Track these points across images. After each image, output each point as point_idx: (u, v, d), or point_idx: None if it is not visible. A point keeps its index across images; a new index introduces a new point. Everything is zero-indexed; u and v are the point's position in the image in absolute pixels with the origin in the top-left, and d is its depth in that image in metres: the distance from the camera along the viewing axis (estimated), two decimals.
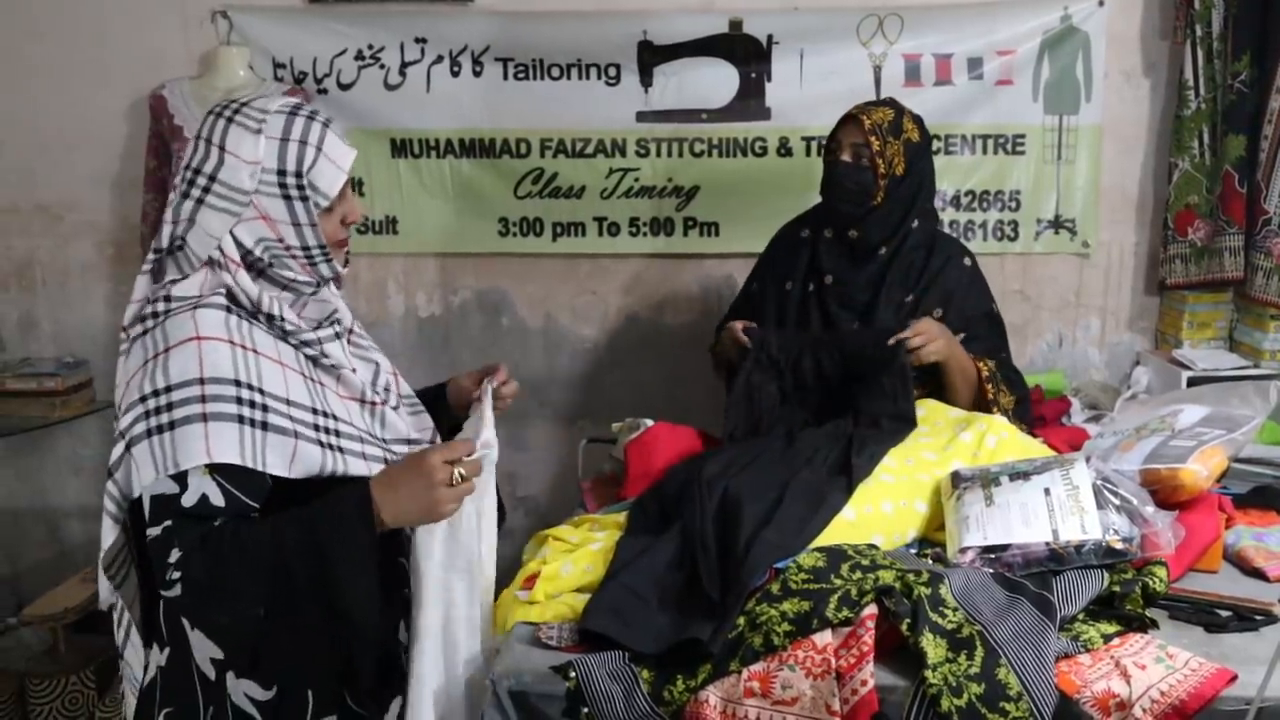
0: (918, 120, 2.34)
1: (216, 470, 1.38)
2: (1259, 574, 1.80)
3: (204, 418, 1.38)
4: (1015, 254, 3.19)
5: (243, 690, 1.52)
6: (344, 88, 3.19)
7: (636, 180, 3.20)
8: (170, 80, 3.12)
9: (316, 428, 1.48)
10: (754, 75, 3.13)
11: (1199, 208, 3.04)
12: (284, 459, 1.43)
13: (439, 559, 1.56)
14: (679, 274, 3.28)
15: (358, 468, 1.49)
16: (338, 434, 1.50)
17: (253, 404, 1.42)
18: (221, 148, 1.46)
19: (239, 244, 1.47)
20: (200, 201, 1.46)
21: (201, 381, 1.39)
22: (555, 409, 3.31)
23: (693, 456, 2.04)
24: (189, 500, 1.38)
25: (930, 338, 2.15)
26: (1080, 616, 1.61)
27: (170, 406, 1.38)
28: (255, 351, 1.45)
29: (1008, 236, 3.18)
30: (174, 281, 1.47)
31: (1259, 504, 2.02)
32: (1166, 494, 1.82)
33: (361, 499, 1.40)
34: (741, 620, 1.54)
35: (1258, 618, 1.65)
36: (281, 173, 1.46)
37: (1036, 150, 3.13)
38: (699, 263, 3.26)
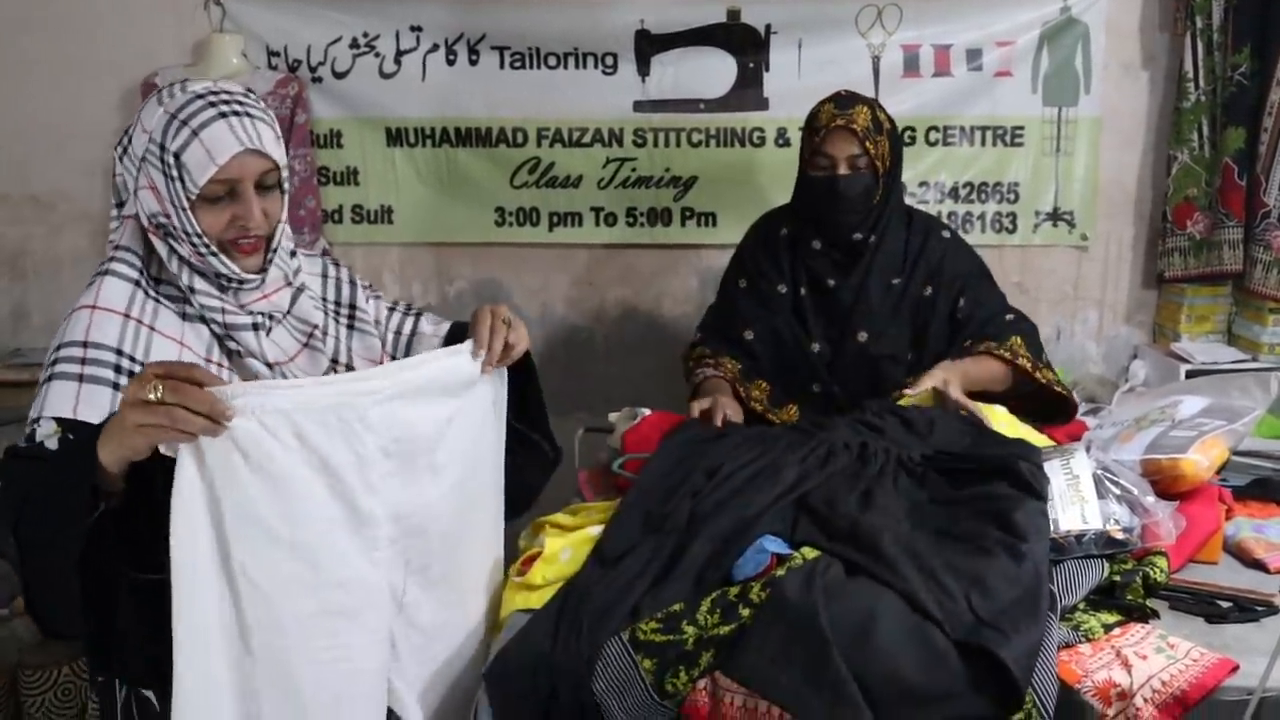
0: (878, 105, 2.33)
1: (69, 429, 1.35)
2: (1259, 565, 1.78)
3: (80, 378, 1.40)
4: (1014, 246, 3.19)
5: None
6: (339, 76, 3.18)
7: (634, 170, 3.19)
8: (163, 68, 3.11)
9: None
10: (752, 65, 3.12)
11: (1198, 200, 3.03)
12: None
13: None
14: (676, 265, 3.27)
15: None
16: None
17: (130, 374, 1.42)
18: (138, 116, 1.50)
19: (144, 209, 1.50)
20: (118, 159, 1.53)
21: (84, 345, 1.42)
22: (551, 400, 3.22)
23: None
24: (25, 444, 1.37)
25: (923, 386, 2.09)
26: (1081, 606, 1.60)
27: (55, 363, 1.42)
28: (151, 328, 1.47)
29: (1006, 229, 3.17)
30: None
31: (1259, 496, 2.00)
32: (1167, 484, 1.81)
33: (98, 428, 1.27)
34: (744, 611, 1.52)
35: (1259, 608, 1.64)
36: (162, 147, 1.46)
37: (1035, 142, 3.13)
38: (697, 253, 3.25)
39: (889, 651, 1.43)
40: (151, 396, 1.18)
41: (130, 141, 1.51)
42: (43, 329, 3.38)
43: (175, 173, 1.45)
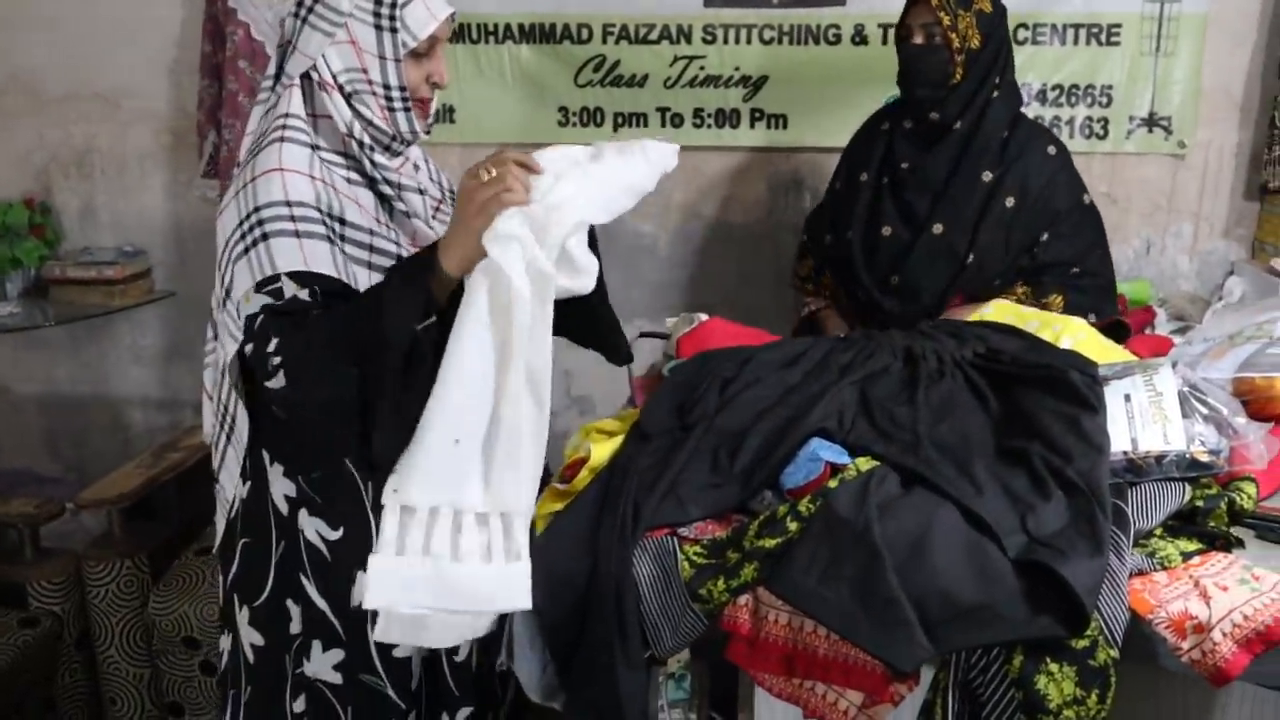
0: None
1: (308, 282, 1.44)
2: None
3: (296, 234, 1.46)
4: (1103, 153, 2.99)
5: (314, 528, 1.61)
6: None
7: (702, 69, 3.04)
8: None
9: (399, 258, 1.55)
10: None
11: None
12: (368, 284, 1.49)
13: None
14: (745, 169, 3.13)
15: None
16: None
17: (335, 232, 1.50)
18: None
19: (329, 67, 1.55)
20: (304, 20, 1.56)
21: (288, 204, 1.47)
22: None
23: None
24: (279, 301, 1.44)
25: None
26: (1158, 532, 1.49)
27: (262, 223, 1.46)
28: (334, 188, 1.53)
29: (1096, 134, 2.98)
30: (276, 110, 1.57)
31: None
32: (1260, 405, 1.68)
33: (428, 249, 1.43)
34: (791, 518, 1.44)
35: None
36: (378, 1, 1.53)
37: (1132, 41, 2.91)
38: (766, 157, 3.10)
39: (945, 569, 1.36)
40: (485, 176, 1.35)
41: (316, 2, 1.55)
42: (109, 227, 3.38)
43: (393, 24, 1.53)
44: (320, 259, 1.46)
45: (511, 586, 1.37)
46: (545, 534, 1.50)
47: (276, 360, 1.41)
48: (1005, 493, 1.45)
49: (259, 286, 1.45)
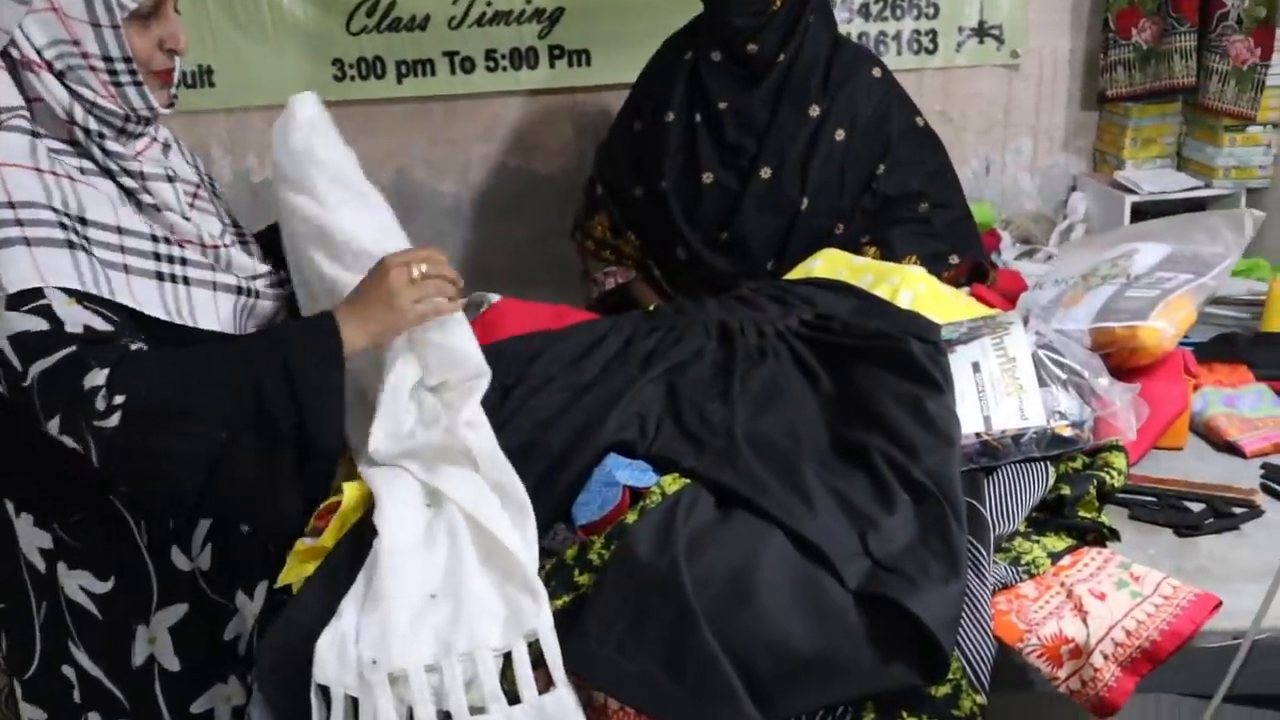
0: None
1: (82, 300, 1.24)
2: (1234, 449, 1.46)
3: (26, 241, 1.22)
4: (934, 69, 2.81)
5: (77, 583, 1.41)
6: None
7: (490, 4, 2.73)
8: None
9: (158, 256, 1.34)
10: None
11: (1144, 4, 2.66)
12: (128, 293, 1.29)
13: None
14: (548, 113, 2.85)
15: (204, 304, 1.36)
16: (183, 262, 1.36)
17: (76, 232, 1.27)
18: None
19: (31, 42, 1.28)
20: None
21: (12, 205, 1.23)
22: None
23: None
24: (74, 328, 1.22)
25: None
26: (1020, 528, 1.27)
27: None
28: (70, 179, 1.29)
29: (925, 49, 2.79)
30: None
31: (1224, 356, 1.67)
32: (1123, 357, 1.47)
33: (324, 315, 1.30)
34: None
35: (1237, 511, 1.32)
36: None
37: None
38: (570, 98, 2.84)
39: (774, 614, 1.10)
40: (416, 274, 1.27)
41: None
42: None
43: None
44: (58, 270, 1.24)
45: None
46: (287, 612, 1.20)
47: (118, 399, 1.21)
48: (842, 505, 1.20)
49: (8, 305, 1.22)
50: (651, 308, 1.69)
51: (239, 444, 1.24)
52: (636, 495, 1.23)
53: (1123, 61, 2.68)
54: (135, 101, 1.33)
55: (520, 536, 1.18)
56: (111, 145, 1.33)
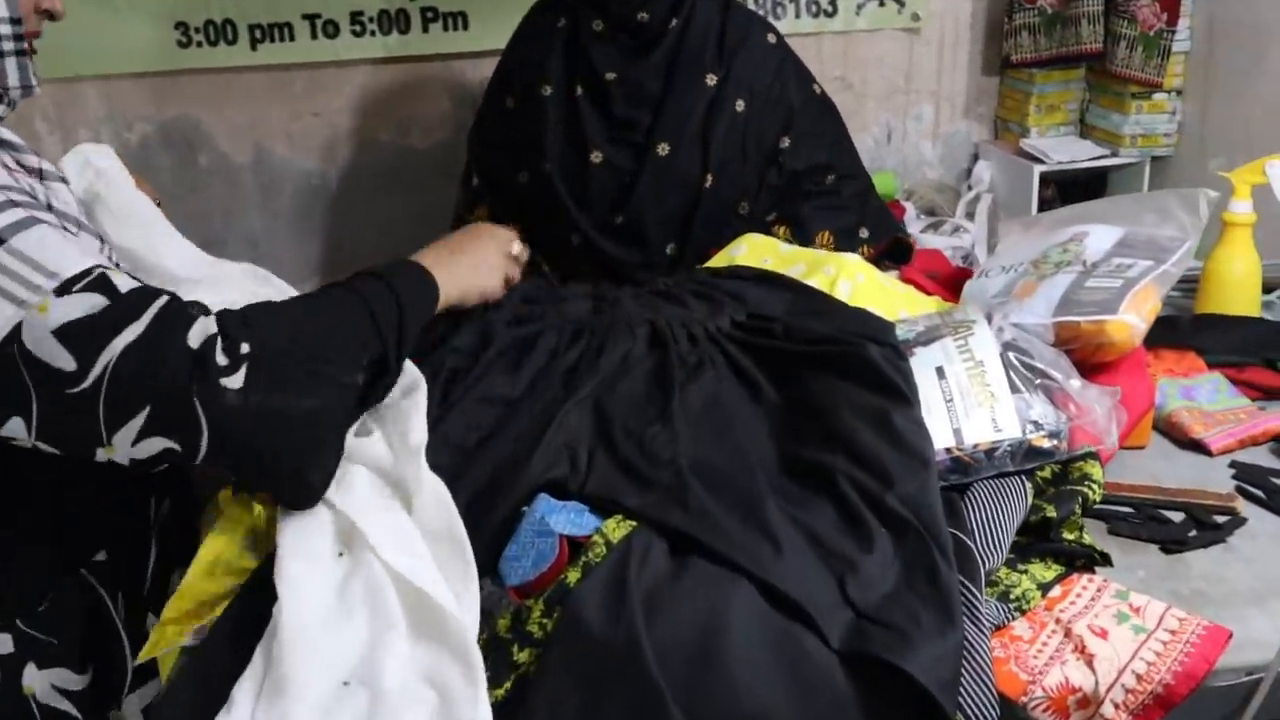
0: None
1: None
2: (1198, 446, 1.37)
3: (38, 221, 1.03)
4: (833, 33, 2.69)
5: (49, 682, 1.17)
6: None
7: None
8: None
9: None
10: None
11: None
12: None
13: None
14: (422, 81, 2.66)
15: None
16: None
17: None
18: None
19: None
20: None
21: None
22: (279, 266, 2.64)
23: None
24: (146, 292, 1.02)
25: None
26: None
27: None
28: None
29: (824, 12, 2.68)
30: None
31: (1170, 342, 1.58)
32: (1088, 353, 1.35)
33: (413, 264, 1.27)
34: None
35: (1220, 519, 1.22)
36: None
37: None
38: (446, 65, 2.66)
39: (748, 682, 0.94)
40: (517, 250, 1.42)
41: None
42: None
43: None
44: (89, 249, 1.07)
45: None
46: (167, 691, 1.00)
47: (245, 348, 1.01)
48: (811, 544, 1.05)
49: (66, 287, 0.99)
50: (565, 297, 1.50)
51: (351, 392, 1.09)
52: (575, 546, 1.05)
53: (1027, 26, 2.59)
54: (11, 77, 1.12)
55: (457, 596, 0.99)
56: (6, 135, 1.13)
